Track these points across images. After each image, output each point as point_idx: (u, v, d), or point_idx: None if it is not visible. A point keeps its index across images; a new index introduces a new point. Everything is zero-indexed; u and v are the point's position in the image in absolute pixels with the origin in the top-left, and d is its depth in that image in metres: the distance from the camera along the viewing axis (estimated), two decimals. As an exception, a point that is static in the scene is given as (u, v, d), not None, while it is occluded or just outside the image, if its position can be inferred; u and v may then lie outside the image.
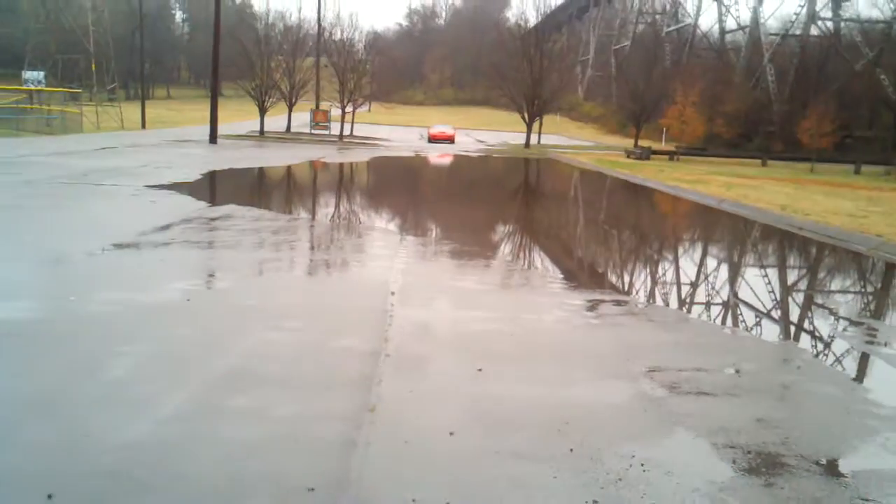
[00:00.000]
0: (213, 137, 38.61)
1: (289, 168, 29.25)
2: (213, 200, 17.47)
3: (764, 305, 9.94)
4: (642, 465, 4.54)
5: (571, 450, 4.71)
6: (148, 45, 68.38)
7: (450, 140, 56.86)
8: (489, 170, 37.49)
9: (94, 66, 52.71)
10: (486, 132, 76.24)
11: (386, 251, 11.85)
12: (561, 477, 4.37)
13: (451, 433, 4.89)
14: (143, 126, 48.82)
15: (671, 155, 48.34)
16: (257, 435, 4.76)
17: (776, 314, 9.66)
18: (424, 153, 43.93)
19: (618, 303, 9.23)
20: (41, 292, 8.20)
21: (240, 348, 6.43)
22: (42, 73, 51.12)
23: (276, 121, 53.30)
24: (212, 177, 22.88)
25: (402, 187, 26.63)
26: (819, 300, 10.78)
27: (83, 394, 5.31)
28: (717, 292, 10.81)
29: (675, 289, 10.94)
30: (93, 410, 5.03)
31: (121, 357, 6.07)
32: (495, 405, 5.42)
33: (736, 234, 17.67)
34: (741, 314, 9.42)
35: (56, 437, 4.61)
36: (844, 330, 8.71)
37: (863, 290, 11.96)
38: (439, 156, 42.86)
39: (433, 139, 57.12)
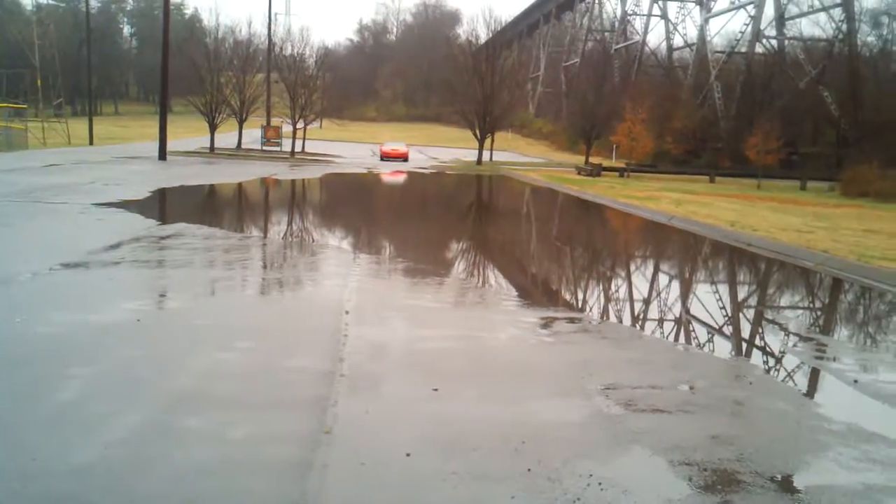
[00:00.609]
0: (163, 154, 38.06)
1: (240, 185, 29.02)
2: (163, 218, 17.26)
3: (716, 321, 10.07)
4: (600, 483, 4.55)
5: (529, 469, 4.70)
6: (95, 59, 67.58)
7: (403, 157, 55.52)
8: (442, 187, 37.51)
9: (39, 80, 51.60)
10: (438, 148, 76.22)
11: (340, 270, 11.77)
12: (519, 497, 4.35)
13: (408, 454, 4.85)
14: (91, 142, 48.07)
15: (621, 172, 48.83)
16: (211, 457, 4.70)
17: (728, 330, 9.80)
18: (377, 170, 43.81)
19: (572, 320, 9.29)
20: (-14, 314, 7.98)
21: (192, 369, 6.33)
22: (-14, 89, 50.12)
23: (226, 137, 52.74)
24: (161, 194, 22.59)
25: (355, 205, 26.51)
26: (769, 315, 10.94)
27: (31, 417, 5.18)
28: (670, 308, 10.92)
29: (628, 305, 11.03)
30: (42, 434, 4.90)
31: (70, 379, 5.95)
32: (452, 425, 5.40)
33: (687, 251, 17.88)
34: (694, 330, 9.52)
35: (2, 462, 4.50)
36: (794, 345, 8.84)
37: (811, 305, 12.17)
38: (392, 173, 42.72)
39: (385, 157, 55.89)
